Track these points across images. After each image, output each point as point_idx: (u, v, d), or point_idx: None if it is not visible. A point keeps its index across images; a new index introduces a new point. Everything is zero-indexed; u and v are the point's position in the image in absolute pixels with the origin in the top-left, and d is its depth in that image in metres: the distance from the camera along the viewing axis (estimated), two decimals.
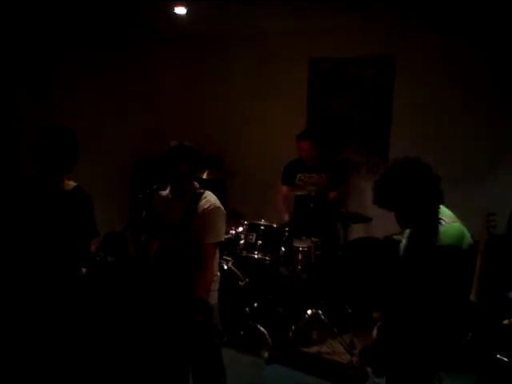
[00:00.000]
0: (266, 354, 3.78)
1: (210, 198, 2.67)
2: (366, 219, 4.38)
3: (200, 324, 2.57)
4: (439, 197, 2.14)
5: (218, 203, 2.68)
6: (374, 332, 2.37)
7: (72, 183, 2.78)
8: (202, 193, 2.69)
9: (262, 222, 4.22)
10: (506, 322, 2.82)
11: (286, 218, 4.66)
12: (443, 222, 2.11)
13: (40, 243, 2.61)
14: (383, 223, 3.92)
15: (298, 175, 4.69)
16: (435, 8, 4.18)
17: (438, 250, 2.06)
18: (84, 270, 2.67)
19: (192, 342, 2.66)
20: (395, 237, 4.14)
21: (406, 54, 4.61)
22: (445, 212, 2.17)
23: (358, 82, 4.94)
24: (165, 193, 2.80)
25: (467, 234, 2.13)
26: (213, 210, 2.64)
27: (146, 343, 2.96)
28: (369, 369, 2.32)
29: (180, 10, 4.56)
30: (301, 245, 4.22)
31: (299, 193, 4.50)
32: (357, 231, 4.79)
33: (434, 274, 2.06)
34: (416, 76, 4.59)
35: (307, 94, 5.27)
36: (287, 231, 4.18)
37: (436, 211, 2.15)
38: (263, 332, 3.89)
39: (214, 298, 2.72)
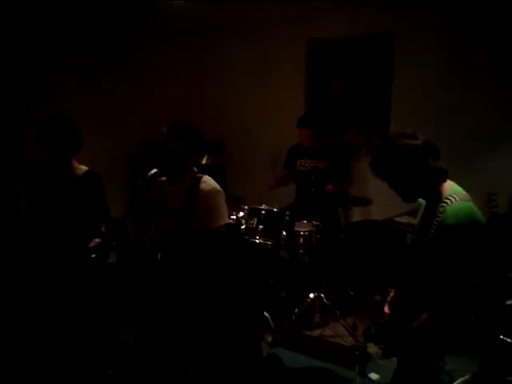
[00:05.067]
0: (270, 338, 3.79)
1: (209, 182, 2.67)
2: (367, 202, 4.37)
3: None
4: (437, 171, 2.12)
5: (217, 186, 2.67)
6: (386, 308, 2.39)
7: (83, 167, 2.81)
8: (201, 177, 2.68)
9: (263, 206, 4.20)
10: (509, 302, 2.82)
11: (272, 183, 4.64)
12: (454, 200, 2.08)
13: (53, 229, 2.65)
14: (384, 206, 3.92)
15: (299, 161, 4.65)
16: None
17: (446, 229, 2.05)
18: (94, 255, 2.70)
19: (195, 329, 2.66)
20: (397, 219, 4.14)
21: (404, 33, 4.53)
22: (456, 190, 2.15)
23: (358, 62, 4.87)
24: (164, 178, 2.78)
25: (479, 214, 2.11)
26: (215, 193, 2.63)
27: (149, 329, 2.96)
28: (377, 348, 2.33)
29: None
30: (302, 229, 4.21)
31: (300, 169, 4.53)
32: (358, 214, 4.78)
33: (442, 253, 2.05)
34: (415, 55, 4.53)
35: (306, 76, 5.20)
36: (288, 215, 4.16)
37: (434, 186, 2.14)
38: (266, 316, 3.90)
39: None
